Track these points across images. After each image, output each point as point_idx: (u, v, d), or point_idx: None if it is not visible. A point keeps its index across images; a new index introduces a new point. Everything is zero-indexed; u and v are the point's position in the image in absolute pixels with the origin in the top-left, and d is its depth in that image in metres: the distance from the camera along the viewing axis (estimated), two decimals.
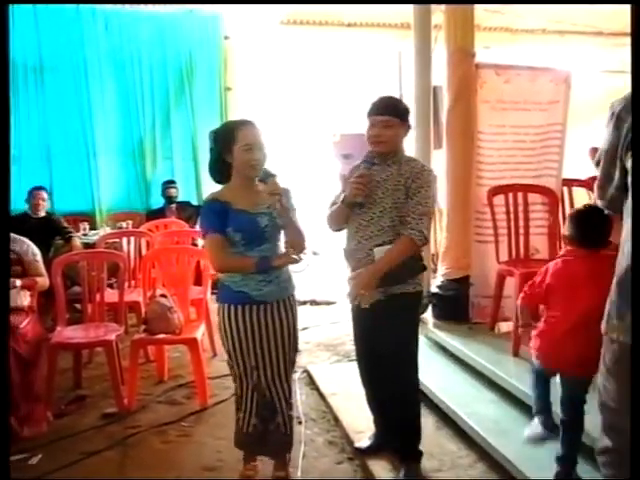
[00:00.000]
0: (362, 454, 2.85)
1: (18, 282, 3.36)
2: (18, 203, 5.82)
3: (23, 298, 3.39)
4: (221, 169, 2.46)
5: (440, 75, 4.18)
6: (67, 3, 6.06)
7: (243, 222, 2.37)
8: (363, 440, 2.90)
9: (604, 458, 1.78)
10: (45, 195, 5.35)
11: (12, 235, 3.52)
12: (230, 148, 2.37)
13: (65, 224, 5.40)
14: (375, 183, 2.49)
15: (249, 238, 2.39)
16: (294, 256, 2.38)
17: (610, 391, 1.71)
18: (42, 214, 5.29)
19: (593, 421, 2.46)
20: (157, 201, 6.38)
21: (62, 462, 2.88)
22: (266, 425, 2.55)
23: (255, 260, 2.36)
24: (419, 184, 2.46)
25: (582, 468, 2.39)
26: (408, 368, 2.61)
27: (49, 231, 5.17)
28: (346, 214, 2.56)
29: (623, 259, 1.66)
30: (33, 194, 5.30)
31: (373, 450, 2.84)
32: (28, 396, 3.21)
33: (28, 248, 3.52)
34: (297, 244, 2.43)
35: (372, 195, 2.48)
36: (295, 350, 2.59)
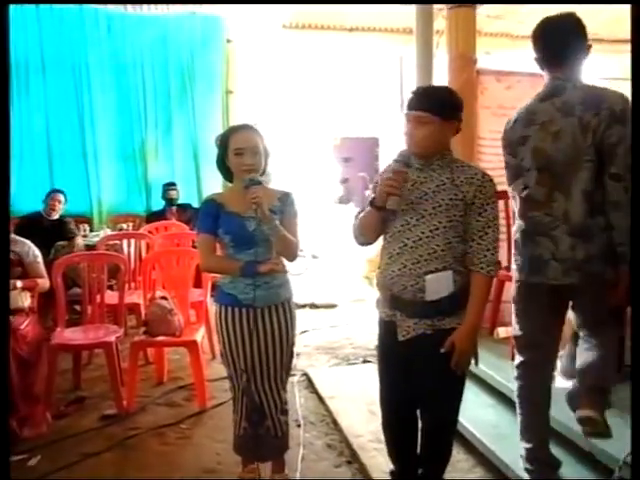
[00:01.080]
0: None
1: (19, 283, 3.38)
2: (18, 204, 5.87)
3: (24, 299, 3.40)
4: (226, 172, 2.49)
5: (442, 80, 4.20)
6: (66, 3, 6.08)
7: (232, 225, 2.40)
8: None
9: (517, 371, 2.48)
10: (62, 198, 5.42)
11: (13, 236, 3.55)
12: (227, 152, 2.41)
13: (73, 227, 5.44)
14: (422, 194, 2.10)
15: (238, 241, 2.40)
16: (280, 266, 2.38)
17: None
18: (56, 216, 5.35)
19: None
20: (157, 203, 6.38)
21: (61, 463, 2.88)
22: (255, 429, 2.53)
23: (240, 264, 2.37)
24: (484, 200, 2.07)
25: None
26: (452, 414, 2.29)
27: (59, 233, 5.21)
28: (376, 221, 2.17)
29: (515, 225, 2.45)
30: (50, 196, 5.39)
31: None
32: (28, 397, 3.21)
33: (29, 249, 3.54)
34: (285, 253, 2.43)
35: (418, 209, 2.10)
36: (289, 356, 2.56)
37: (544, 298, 2.31)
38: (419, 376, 2.19)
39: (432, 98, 2.12)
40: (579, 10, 2.23)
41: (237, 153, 2.37)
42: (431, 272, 2.07)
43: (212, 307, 3.61)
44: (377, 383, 2.39)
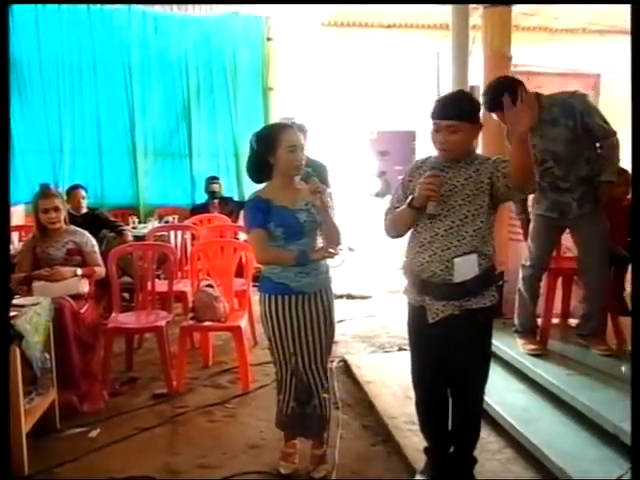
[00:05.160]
0: None
1: (79, 271, 3.63)
2: None
3: (83, 286, 3.66)
4: (262, 169, 2.63)
5: (477, 75, 4.28)
6: (68, 3, 6.31)
7: (284, 218, 2.54)
8: (417, 475, 2.64)
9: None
10: (83, 193, 5.34)
11: (73, 227, 3.81)
12: (274, 150, 2.54)
13: (112, 218, 5.50)
14: (451, 187, 2.26)
15: (289, 232, 2.55)
16: (331, 250, 2.55)
17: None
18: (84, 210, 5.32)
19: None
20: (200, 196, 6.62)
21: (118, 436, 3.14)
22: (303, 408, 2.71)
23: (295, 254, 2.52)
24: (500, 160, 2.29)
25: None
26: (480, 390, 2.45)
27: (95, 225, 5.14)
28: (413, 219, 2.33)
29: None
30: (72, 193, 5.29)
31: None
32: (87, 375, 3.49)
33: (88, 240, 3.77)
34: (333, 239, 2.60)
35: (448, 202, 2.26)
36: (332, 338, 2.75)
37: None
38: (449, 354, 2.36)
39: (458, 105, 2.27)
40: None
41: (291, 150, 2.52)
42: (459, 256, 2.24)
43: (254, 296, 3.81)
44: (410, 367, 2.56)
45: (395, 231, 2.43)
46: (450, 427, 2.52)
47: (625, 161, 4.06)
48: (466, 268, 2.25)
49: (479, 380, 2.41)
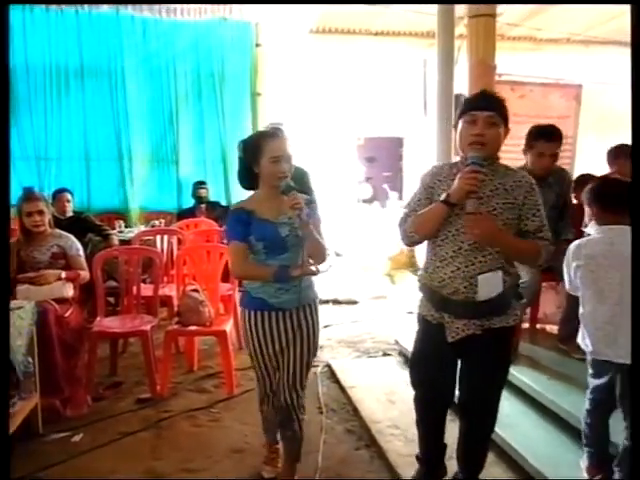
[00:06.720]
0: None
1: (63, 274, 3.61)
2: None
3: (68, 289, 3.64)
4: (249, 178, 2.53)
5: (463, 83, 4.34)
6: (65, 3, 6.32)
7: (265, 231, 2.41)
8: None
9: None
10: (69, 196, 5.34)
11: (58, 231, 3.80)
12: (257, 159, 2.40)
13: (98, 222, 5.48)
14: (477, 198, 2.08)
15: (270, 247, 2.43)
16: (312, 268, 2.37)
17: None
18: (69, 214, 5.30)
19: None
20: (187, 201, 6.63)
21: (101, 441, 3.13)
22: (283, 431, 2.63)
23: (273, 270, 2.38)
24: (534, 201, 2.14)
25: None
26: (493, 414, 2.32)
27: (80, 229, 5.09)
28: (445, 218, 2.13)
29: None
30: (57, 197, 5.28)
31: None
32: (71, 380, 3.47)
33: (72, 244, 3.77)
34: (317, 256, 2.43)
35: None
36: (313, 355, 2.59)
37: None
38: (465, 376, 2.27)
39: (498, 100, 2.16)
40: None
41: (274, 161, 2.37)
42: (483, 273, 2.11)
43: (239, 302, 3.82)
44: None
45: (423, 231, 2.20)
46: (458, 451, 2.45)
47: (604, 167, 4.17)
48: (491, 285, 2.11)
49: (493, 403, 2.30)
